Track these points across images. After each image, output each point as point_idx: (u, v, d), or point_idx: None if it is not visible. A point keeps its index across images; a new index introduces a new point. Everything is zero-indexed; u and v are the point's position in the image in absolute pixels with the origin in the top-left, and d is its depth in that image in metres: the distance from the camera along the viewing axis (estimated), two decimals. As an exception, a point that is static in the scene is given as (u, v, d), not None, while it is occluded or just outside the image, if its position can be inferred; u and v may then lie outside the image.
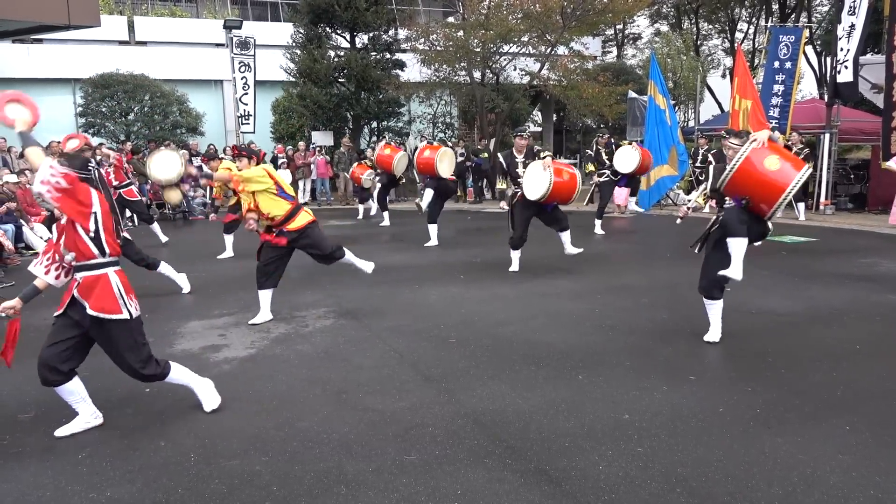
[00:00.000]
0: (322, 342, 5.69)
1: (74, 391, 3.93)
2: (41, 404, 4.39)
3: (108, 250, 3.86)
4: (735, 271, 5.29)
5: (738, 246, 5.29)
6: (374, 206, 14.55)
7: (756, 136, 5.44)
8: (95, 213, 3.79)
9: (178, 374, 4.19)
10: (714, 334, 5.57)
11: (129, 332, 3.90)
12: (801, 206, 13.27)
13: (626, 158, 11.93)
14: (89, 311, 3.77)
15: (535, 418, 4.06)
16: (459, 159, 15.63)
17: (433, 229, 10.77)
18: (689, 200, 6.29)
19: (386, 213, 13.49)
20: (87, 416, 4.00)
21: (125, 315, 3.83)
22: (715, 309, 5.61)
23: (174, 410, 4.25)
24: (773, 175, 5.23)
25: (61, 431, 3.92)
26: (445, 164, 10.76)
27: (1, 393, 4.62)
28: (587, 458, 3.55)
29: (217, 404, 4.25)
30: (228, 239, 9.87)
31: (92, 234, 3.79)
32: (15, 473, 3.50)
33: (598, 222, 11.96)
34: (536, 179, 7.94)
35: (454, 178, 11.22)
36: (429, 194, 10.80)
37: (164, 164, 7.74)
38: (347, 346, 5.57)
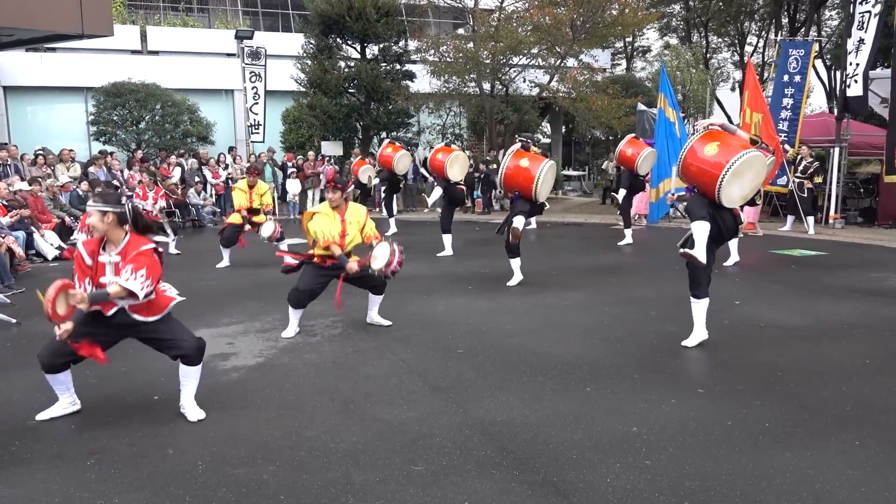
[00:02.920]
0: (330, 352, 5.69)
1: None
2: (50, 410, 4.41)
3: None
4: (698, 252, 5.43)
5: (697, 229, 5.46)
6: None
7: (702, 122, 5.84)
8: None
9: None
10: (694, 338, 5.72)
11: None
12: (811, 219, 13.23)
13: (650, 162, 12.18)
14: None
15: (543, 430, 4.05)
16: (468, 169, 15.68)
17: (447, 239, 10.78)
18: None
19: (392, 220, 13.49)
20: None
21: None
22: (699, 308, 5.74)
23: (182, 418, 4.26)
24: (710, 160, 5.43)
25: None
26: (456, 168, 10.81)
27: (10, 399, 4.65)
28: (595, 471, 3.54)
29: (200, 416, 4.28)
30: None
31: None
32: (23, 479, 3.52)
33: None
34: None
35: (462, 186, 11.23)
36: (437, 192, 10.92)
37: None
38: (355, 355, 5.58)
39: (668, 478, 3.46)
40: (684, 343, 5.69)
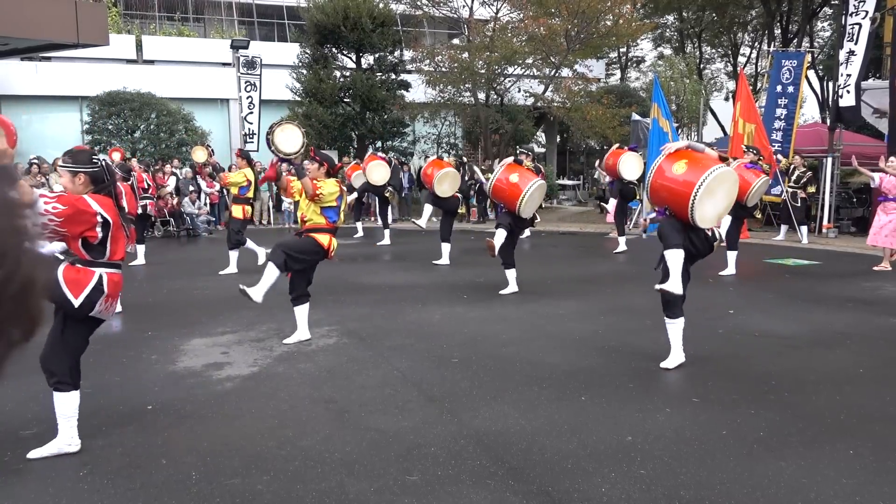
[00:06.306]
0: (325, 361, 5.68)
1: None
2: (43, 421, 4.38)
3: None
4: (672, 285, 5.09)
5: (671, 258, 5.14)
6: (360, 226, 14.65)
7: (668, 146, 5.47)
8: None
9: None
10: (672, 360, 5.35)
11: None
12: (804, 229, 13.29)
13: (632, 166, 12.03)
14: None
15: (538, 439, 4.05)
16: (466, 178, 15.72)
17: (445, 248, 10.84)
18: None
19: (387, 231, 13.46)
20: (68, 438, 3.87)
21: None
22: (674, 329, 5.37)
23: (176, 429, 4.24)
24: (679, 179, 5.13)
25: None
26: (445, 185, 10.94)
27: (3, 409, 4.62)
28: (590, 480, 3.54)
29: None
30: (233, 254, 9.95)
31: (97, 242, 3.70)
32: (16, 490, 3.50)
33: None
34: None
35: (457, 194, 11.29)
36: (427, 210, 10.94)
37: (289, 139, 7.77)
38: (350, 365, 5.57)
39: (663, 487, 3.46)
40: (663, 365, 5.33)
